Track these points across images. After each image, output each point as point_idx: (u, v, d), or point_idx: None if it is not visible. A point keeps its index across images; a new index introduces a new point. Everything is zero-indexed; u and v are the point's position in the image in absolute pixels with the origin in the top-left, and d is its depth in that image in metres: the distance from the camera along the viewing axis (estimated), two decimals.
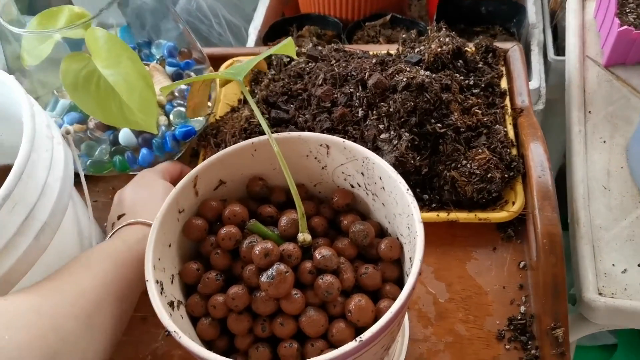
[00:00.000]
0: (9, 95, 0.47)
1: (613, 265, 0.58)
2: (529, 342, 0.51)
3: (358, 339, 0.34)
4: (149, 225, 0.50)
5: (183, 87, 0.66)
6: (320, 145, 0.46)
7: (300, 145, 0.47)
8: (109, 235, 0.51)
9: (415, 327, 0.53)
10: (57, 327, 0.37)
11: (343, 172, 0.47)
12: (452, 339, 0.52)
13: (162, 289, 0.39)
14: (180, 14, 1.25)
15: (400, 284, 0.44)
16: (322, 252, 0.41)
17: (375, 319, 0.41)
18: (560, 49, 1.03)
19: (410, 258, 0.41)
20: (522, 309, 0.53)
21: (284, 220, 0.44)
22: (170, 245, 0.43)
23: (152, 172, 0.58)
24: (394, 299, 0.42)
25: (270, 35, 1.14)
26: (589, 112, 0.72)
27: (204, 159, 0.55)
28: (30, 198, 0.40)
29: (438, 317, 0.54)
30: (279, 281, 0.39)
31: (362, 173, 0.46)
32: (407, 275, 0.43)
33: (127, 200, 0.55)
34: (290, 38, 0.46)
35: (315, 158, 0.47)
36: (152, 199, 0.53)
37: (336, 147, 0.46)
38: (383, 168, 0.43)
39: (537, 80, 0.91)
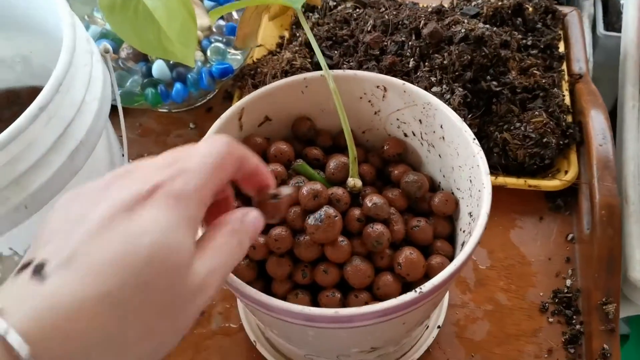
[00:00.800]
0: (43, 6, 0.43)
1: None
2: (574, 317, 0.48)
3: (418, 289, 0.31)
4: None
5: (221, 22, 0.62)
6: (377, 86, 0.43)
7: (354, 85, 0.43)
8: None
9: (452, 292, 0.50)
10: None
11: (398, 119, 0.44)
12: (492, 307, 0.49)
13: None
14: None
15: (452, 241, 0.42)
16: (374, 200, 0.38)
17: (425, 275, 0.38)
18: (609, 25, 0.98)
19: (469, 213, 0.38)
20: (568, 282, 0.50)
21: (332, 164, 0.41)
22: None
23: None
24: (446, 256, 0.39)
25: None
26: None
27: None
28: (66, 114, 0.37)
29: (478, 284, 0.51)
30: (327, 225, 0.36)
31: (419, 120, 0.42)
32: (462, 231, 0.40)
33: (50, 220, 0.24)
34: None
35: (369, 101, 0.44)
36: (79, 225, 0.22)
37: (394, 89, 0.42)
38: (447, 115, 0.40)
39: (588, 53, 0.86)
